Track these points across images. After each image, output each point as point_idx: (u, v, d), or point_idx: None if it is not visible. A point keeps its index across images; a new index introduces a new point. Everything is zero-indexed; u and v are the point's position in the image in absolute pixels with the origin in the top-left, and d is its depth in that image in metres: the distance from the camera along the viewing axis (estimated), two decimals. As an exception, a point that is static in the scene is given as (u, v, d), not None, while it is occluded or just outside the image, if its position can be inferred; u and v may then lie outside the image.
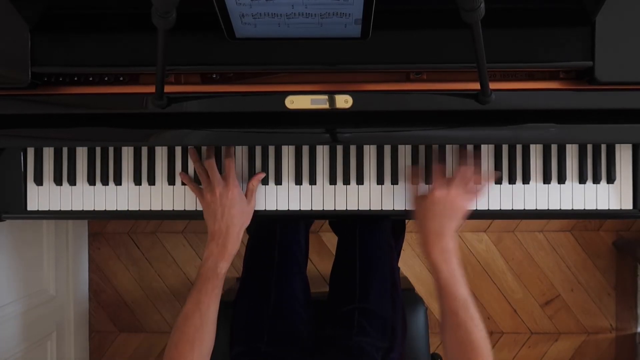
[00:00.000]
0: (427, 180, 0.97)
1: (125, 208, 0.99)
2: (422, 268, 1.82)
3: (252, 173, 0.98)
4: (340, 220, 1.33)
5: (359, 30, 0.80)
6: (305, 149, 0.98)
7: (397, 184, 0.97)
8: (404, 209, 0.97)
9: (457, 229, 0.92)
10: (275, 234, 1.15)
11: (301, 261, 1.18)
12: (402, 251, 1.82)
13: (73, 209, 0.99)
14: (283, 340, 1.03)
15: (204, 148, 0.98)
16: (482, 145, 0.97)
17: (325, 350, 1.03)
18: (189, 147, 0.98)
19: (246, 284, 1.14)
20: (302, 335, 1.06)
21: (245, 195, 0.95)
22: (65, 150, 0.99)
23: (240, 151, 0.98)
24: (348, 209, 0.97)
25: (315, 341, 1.06)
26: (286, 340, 1.03)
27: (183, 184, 0.98)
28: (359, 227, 1.17)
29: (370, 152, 0.98)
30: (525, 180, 0.97)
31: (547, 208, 0.98)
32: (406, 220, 1.39)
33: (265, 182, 0.98)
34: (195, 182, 0.97)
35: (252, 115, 0.90)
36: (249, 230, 1.28)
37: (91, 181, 0.98)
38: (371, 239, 1.13)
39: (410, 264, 1.83)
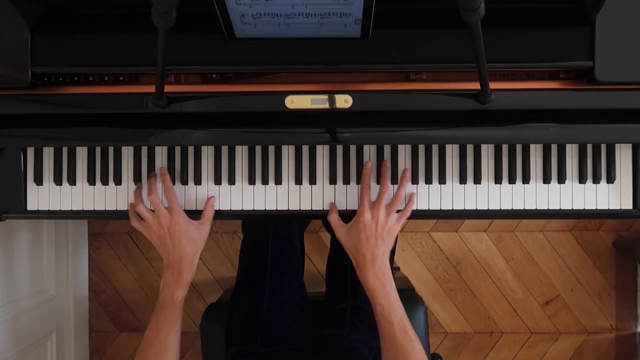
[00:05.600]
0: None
1: (125, 208, 0.99)
2: (422, 268, 1.82)
3: (252, 173, 0.98)
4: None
5: (359, 30, 0.80)
6: (305, 149, 0.98)
7: (397, 183, 0.96)
8: (402, 208, 0.96)
9: (389, 250, 0.92)
10: (269, 236, 1.15)
11: (296, 262, 1.18)
12: (402, 251, 1.83)
13: (73, 209, 0.99)
14: (277, 341, 1.03)
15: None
16: (482, 145, 0.97)
17: (318, 350, 1.03)
18: (149, 178, 0.96)
19: (241, 285, 1.14)
20: (296, 335, 1.06)
21: (202, 221, 0.95)
22: (65, 150, 0.99)
23: (240, 151, 0.98)
24: (348, 208, 0.97)
25: (310, 340, 1.06)
26: (280, 340, 1.04)
27: (183, 183, 0.98)
28: None
29: (370, 152, 0.98)
30: (525, 180, 0.97)
31: (547, 208, 0.97)
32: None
33: (265, 182, 0.98)
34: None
35: (252, 115, 0.90)
36: (244, 231, 1.28)
37: (91, 181, 0.98)
38: None
39: (410, 264, 1.83)
